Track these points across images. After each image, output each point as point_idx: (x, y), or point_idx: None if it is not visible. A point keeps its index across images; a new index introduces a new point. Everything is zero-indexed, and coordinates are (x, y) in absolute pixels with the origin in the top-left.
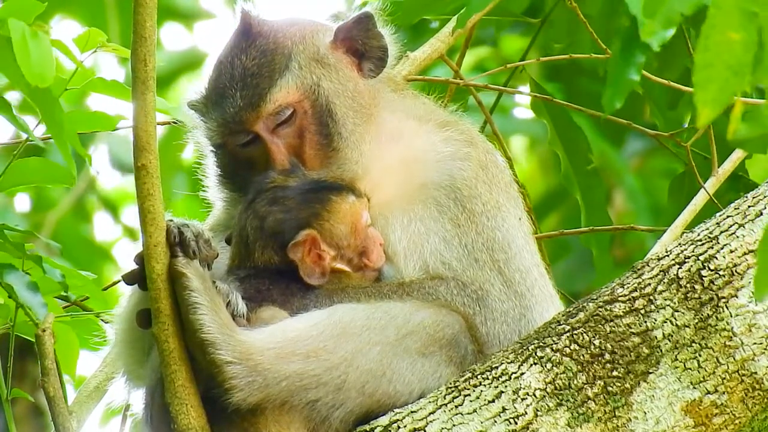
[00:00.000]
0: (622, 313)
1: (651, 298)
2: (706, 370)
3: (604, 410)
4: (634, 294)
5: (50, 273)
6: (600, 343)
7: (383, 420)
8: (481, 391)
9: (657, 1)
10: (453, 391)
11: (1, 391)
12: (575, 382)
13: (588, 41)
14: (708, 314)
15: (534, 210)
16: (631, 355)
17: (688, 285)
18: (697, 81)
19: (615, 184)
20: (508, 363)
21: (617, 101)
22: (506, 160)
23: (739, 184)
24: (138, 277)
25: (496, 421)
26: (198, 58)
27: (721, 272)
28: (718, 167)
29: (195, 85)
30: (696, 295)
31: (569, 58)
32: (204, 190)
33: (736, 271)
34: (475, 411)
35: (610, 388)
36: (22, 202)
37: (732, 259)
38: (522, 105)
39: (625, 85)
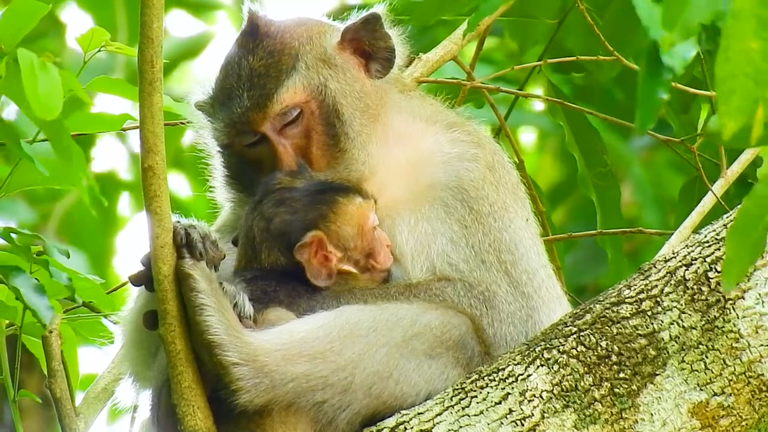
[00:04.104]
0: (628, 315)
1: (658, 299)
2: (712, 372)
3: (611, 412)
4: (641, 296)
5: (57, 276)
6: (607, 344)
7: (390, 421)
8: (488, 392)
9: (675, 13)
10: (460, 393)
11: (9, 392)
12: (582, 383)
13: (607, 38)
14: (715, 316)
15: (545, 201)
16: (637, 357)
17: (695, 287)
18: (719, 93)
19: (622, 176)
20: (515, 364)
21: (648, 123)
22: (517, 161)
23: (748, 191)
24: (145, 279)
25: (502, 423)
26: (201, 44)
27: None
28: (727, 169)
29: (202, 85)
30: (703, 297)
31: (577, 60)
32: (211, 191)
33: None
34: (481, 412)
35: (616, 390)
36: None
37: None
38: (534, 97)
39: (655, 105)
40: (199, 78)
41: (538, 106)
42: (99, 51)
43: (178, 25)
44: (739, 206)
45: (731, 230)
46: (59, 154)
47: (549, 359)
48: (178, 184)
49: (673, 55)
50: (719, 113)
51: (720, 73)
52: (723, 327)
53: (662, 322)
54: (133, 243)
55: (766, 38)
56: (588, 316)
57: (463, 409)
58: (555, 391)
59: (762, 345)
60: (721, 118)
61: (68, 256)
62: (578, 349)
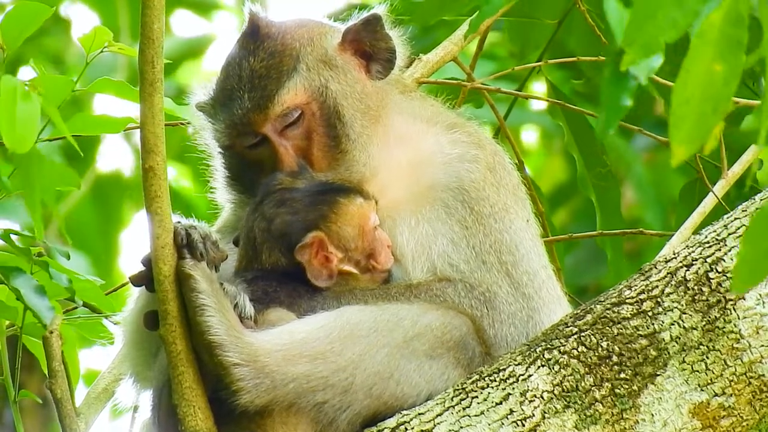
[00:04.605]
0: (629, 315)
1: (658, 300)
2: (713, 373)
3: (612, 412)
4: (642, 296)
5: (57, 278)
6: (607, 345)
7: (391, 422)
8: (489, 393)
9: (636, 29)
10: (460, 393)
11: (10, 393)
12: (583, 384)
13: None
14: (715, 316)
15: (546, 203)
16: (638, 357)
17: (696, 287)
18: (673, 119)
19: (624, 176)
20: (516, 365)
21: (611, 127)
22: (516, 162)
23: (750, 192)
24: (145, 279)
25: (503, 423)
26: (206, 43)
27: (728, 274)
28: (728, 170)
29: (203, 87)
30: (703, 297)
31: (578, 60)
32: (212, 192)
33: None
34: (482, 413)
35: (617, 390)
36: None
37: None
38: (533, 98)
39: (618, 111)
40: (202, 78)
41: (540, 105)
42: (101, 52)
43: (183, 24)
44: (740, 206)
45: (747, 232)
46: (24, 187)
47: (550, 360)
48: (180, 179)
49: (639, 66)
50: (671, 138)
51: (676, 98)
52: (724, 328)
53: (663, 322)
54: (136, 243)
55: (733, 62)
56: (589, 317)
57: (463, 409)
58: (556, 392)
59: (763, 345)
60: (672, 144)
61: (68, 258)
62: (579, 349)
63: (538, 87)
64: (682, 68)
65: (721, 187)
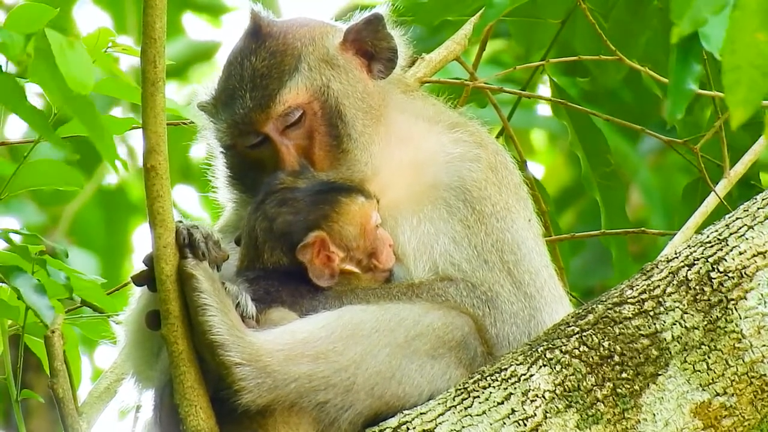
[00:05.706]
0: (631, 315)
1: (660, 300)
2: (715, 372)
3: (614, 412)
4: (644, 296)
5: (54, 276)
6: (609, 344)
7: (392, 421)
8: (491, 392)
9: (684, 4)
10: (462, 393)
11: (12, 392)
12: (584, 383)
13: (611, 39)
14: (717, 316)
15: (553, 204)
16: (640, 357)
17: (698, 287)
18: (726, 83)
19: (630, 179)
20: (518, 365)
21: (678, 112)
22: (519, 162)
23: (752, 192)
24: (147, 279)
25: (505, 423)
26: (214, 48)
27: (730, 274)
28: (730, 170)
29: (205, 86)
30: (705, 297)
31: (580, 60)
32: (213, 191)
33: (745, 273)
34: (484, 413)
35: (619, 390)
36: None
37: (741, 261)
38: (536, 97)
39: (685, 96)
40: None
41: (544, 109)
42: (105, 51)
43: (195, 27)
44: (741, 206)
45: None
46: (89, 128)
47: (551, 359)
48: (185, 196)
49: (710, 40)
50: (728, 102)
51: (726, 65)
52: (725, 327)
53: (664, 322)
54: (145, 243)
55: None
56: (590, 317)
57: (465, 409)
58: (557, 391)
59: (764, 345)
60: (729, 107)
61: (67, 256)
62: (581, 349)
63: (545, 91)
64: (726, 38)
65: (723, 187)
